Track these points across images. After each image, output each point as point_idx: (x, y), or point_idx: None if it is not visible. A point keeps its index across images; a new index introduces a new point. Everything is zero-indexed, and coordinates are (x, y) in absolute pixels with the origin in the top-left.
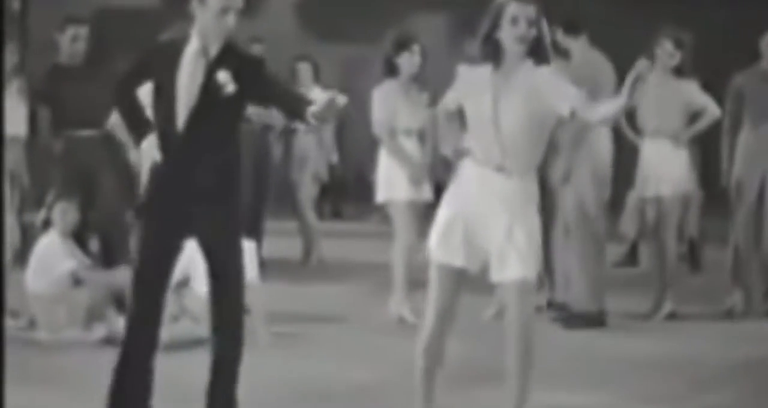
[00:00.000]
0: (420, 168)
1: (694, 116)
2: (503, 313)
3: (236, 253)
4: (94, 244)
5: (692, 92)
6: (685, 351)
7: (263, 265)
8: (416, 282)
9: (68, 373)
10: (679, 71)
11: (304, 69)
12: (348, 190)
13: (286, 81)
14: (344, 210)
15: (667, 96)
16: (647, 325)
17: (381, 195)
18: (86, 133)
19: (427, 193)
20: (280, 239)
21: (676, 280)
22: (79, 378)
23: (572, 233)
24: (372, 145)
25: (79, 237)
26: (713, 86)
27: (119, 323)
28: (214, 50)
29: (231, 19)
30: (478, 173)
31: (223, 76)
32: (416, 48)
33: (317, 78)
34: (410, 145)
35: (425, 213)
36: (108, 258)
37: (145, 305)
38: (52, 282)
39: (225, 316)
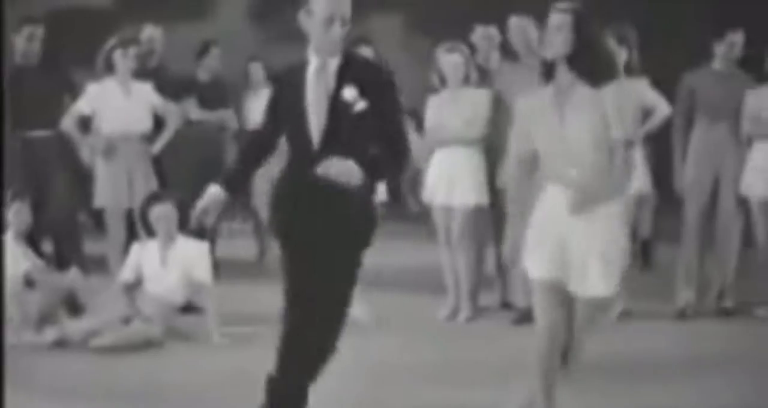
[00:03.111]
0: None
1: (645, 115)
2: (456, 313)
3: (354, 267)
4: (46, 246)
5: (642, 90)
6: (638, 350)
7: (217, 265)
8: (370, 282)
9: (20, 375)
10: (628, 69)
11: (256, 69)
12: None
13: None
14: None
15: None
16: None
17: None
18: (40, 133)
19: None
20: (235, 240)
21: (628, 279)
22: (31, 380)
23: None
24: None
25: (31, 238)
26: (662, 85)
27: (70, 326)
28: (333, 65)
29: (338, 29)
30: (556, 192)
31: (349, 93)
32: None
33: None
34: None
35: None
36: (60, 260)
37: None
38: (5, 284)
39: (322, 313)
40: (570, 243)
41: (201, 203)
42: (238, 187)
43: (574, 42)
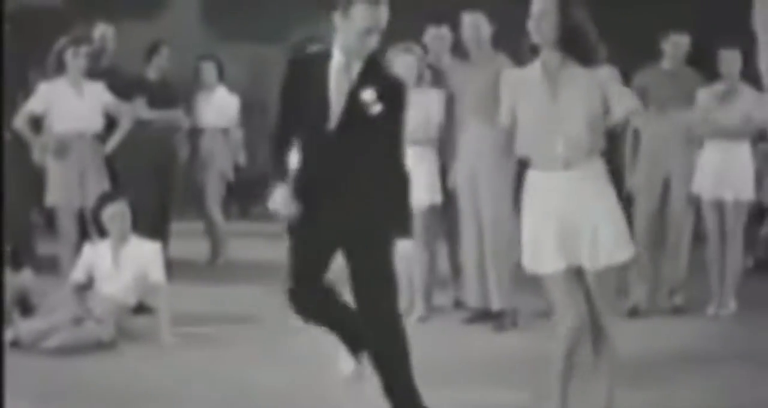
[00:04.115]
0: None
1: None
2: (409, 312)
3: (385, 260)
4: None
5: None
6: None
7: (169, 265)
8: None
9: None
10: None
11: (208, 69)
12: (255, 190)
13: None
14: (251, 210)
15: None
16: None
17: None
18: None
19: None
20: (187, 240)
21: None
22: None
23: (488, 234)
24: None
25: None
26: None
27: (22, 326)
28: (357, 67)
29: (374, 40)
30: (546, 177)
31: (369, 95)
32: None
33: (221, 78)
34: None
35: None
36: (13, 260)
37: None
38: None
39: (373, 317)
40: (571, 220)
41: (279, 207)
42: (288, 174)
43: (561, 26)
